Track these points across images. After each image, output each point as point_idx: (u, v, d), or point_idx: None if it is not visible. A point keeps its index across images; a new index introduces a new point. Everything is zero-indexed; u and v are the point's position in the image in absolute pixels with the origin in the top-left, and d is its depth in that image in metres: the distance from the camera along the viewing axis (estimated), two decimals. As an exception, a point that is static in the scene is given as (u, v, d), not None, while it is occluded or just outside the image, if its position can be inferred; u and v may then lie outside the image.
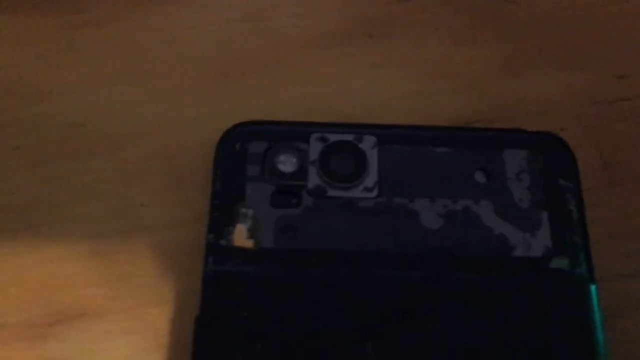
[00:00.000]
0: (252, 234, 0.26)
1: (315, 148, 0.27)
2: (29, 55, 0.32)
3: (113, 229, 0.28)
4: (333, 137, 0.27)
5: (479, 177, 0.27)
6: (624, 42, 0.33)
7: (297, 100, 0.31)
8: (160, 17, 0.33)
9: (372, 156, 0.27)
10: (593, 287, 0.25)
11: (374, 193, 0.27)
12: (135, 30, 0.33)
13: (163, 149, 0.30)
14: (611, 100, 0.31)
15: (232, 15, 0.33)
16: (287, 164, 0.27)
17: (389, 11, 0.33)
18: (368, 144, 0.27)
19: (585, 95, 0.31)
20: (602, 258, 0.27)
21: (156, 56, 0.32)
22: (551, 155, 0.28)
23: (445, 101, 0.31)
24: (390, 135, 0.28)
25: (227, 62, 0.32)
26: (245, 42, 0.33)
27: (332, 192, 0.27)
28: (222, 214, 0.26)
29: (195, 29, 0.33)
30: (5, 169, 0.30)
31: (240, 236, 0.26)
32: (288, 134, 0.28)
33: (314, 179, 0.27)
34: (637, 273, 0.28)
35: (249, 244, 0.26)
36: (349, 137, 0.27)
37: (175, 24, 0.33)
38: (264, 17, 0.33)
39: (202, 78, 0.32)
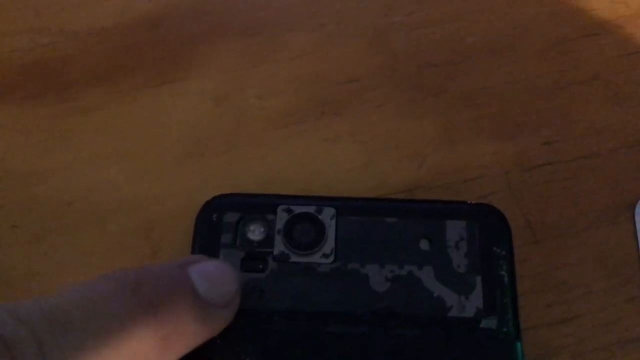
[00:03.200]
0: (223, 295, 0.29)
1: (281, 218, 0.31)
2: (24, 142, 0.36)
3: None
4: (297, 209, 0.31)
5: (423, 244, 0.30)
6: (548, 112, 0.36)
7: (259, 174, 0.35)
8: (143, 103, 0.37)
9: (331, 226, 0.31)
10: (519, 344, 0.28)
11: (331, 259, 0.30)
12: (118, 116, 0.36)
13: (141, 223, 0.33)
14: (536, 165, 0.35)
15: (204, 99, 0.37)
16: (255, 233, 0.31)
17: (341, 90, 0.37)
18: (327, 215, 0.31)
19: (514, 162, 0.35)
20: (525, 309, 0.31)
21: (137, 139, 0.36)
22: (488, 225, 0.31)
23: (389, 171, 0.35)
24: (347, 207, 0.31)
25: (198, 142, 0.35)
26: (215, 123, 0.36)
27: (294, 258, 0.30)
28: (198, 277, 0.30)
29: (173, 113, 0.36)
30: (5, 245, 0.33)
31: (214, 297, 0.29)
32: (258, 205, 0.31)
33: (279, 246, 0.30)
34: (555, 322, 0.31)
35: (220, 304, 0.29)
36: (311, 209, 0.31)
37: (155, 109, 0.36)
38: (231, 100, 0.37)
39: (176, 157, 0.35)
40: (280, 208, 0.31)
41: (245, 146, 0.35)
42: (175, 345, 0.24)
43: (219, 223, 0.31)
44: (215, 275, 0.26)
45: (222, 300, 0.26)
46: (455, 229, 0.31)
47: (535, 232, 0.33)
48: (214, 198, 0.32)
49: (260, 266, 0.30)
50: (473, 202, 0.32)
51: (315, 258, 0.30)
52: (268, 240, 0.31)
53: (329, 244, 0.30)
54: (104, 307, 0.22)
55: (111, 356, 0.22)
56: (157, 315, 0.23)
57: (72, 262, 0.33)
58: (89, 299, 0.22)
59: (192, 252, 0.30)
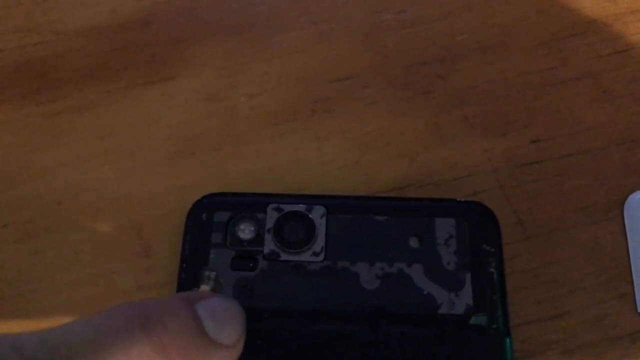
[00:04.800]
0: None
1: (271, 217, 0.31)
2: (14, 140, 0.36)
3: (88, 296, 0.32)
4: (287, 208, 0.31)
5: (413, 242, 0.31)
6: (538, 110, 0.36)
7: (250, 173, 0.35)
8: (133, 102, 0.37)
9: (321, 224, 0.31)
10: (508, 341, 0.29)
11: (321, 257, 0.30)
12: (109, 115, 0.36)
13: (132, 221, 0.34)
14: (526, 163, 0.35)
15: (195, 98, 0.37)
16: (245, 232, 0.31)
17: (332, 88, 0.37)
18: (317, 213, 0.31)
19: (504, 160, 0.35)
20: (515, 306, 0.31)
21: (127, 137, 0.36)
22: (477, 222, 0.31)
23: (380, 169, 0.35)
24: (337, 206, 0.31)
25: (189, 140, 0.36)
26: (205, 121, 0.36)
27: (284, 257, 0.30)
28: (188, 276, 0.30)
29: (163, 111, 0.36)
30: (-6, 245, 0.33)
31: (204, 296, 0.30)
32: (248, 204, 0.31)
33: (269, 245, 0.30)
34: (545, 318, 0.31)
35: (211, 302, 0.29)
36: (301, 208, 0.31)
37: (145, 107, 0.36)
38: (222, 98, 0.37)
39: (167, 156, 0.35)
40: (270, 207, 0.31)
41: (236, 145, 0.35)
42: None
43: (209, 222, 0.31)
44: (223, 314, 0.26)
45: (230, 340, 0.26)
46: (444, 227, 0.31)
47: (525, 229, 0.33)
48: (204, 197, 0.32)
49: (251, 265, 0.30)
50: (462, 199, 0.32)
51: (305, 256, 0.30)
52: (258, 239, 0.31)
53: (319, 243, 0.30)
54: (111, 342, 0.22)
55: None
56: (165, 354, 0.23)
57: (62, 261, 0.33)
58: (96, 334, 0.22)
59: (183, 252, 0.31)
